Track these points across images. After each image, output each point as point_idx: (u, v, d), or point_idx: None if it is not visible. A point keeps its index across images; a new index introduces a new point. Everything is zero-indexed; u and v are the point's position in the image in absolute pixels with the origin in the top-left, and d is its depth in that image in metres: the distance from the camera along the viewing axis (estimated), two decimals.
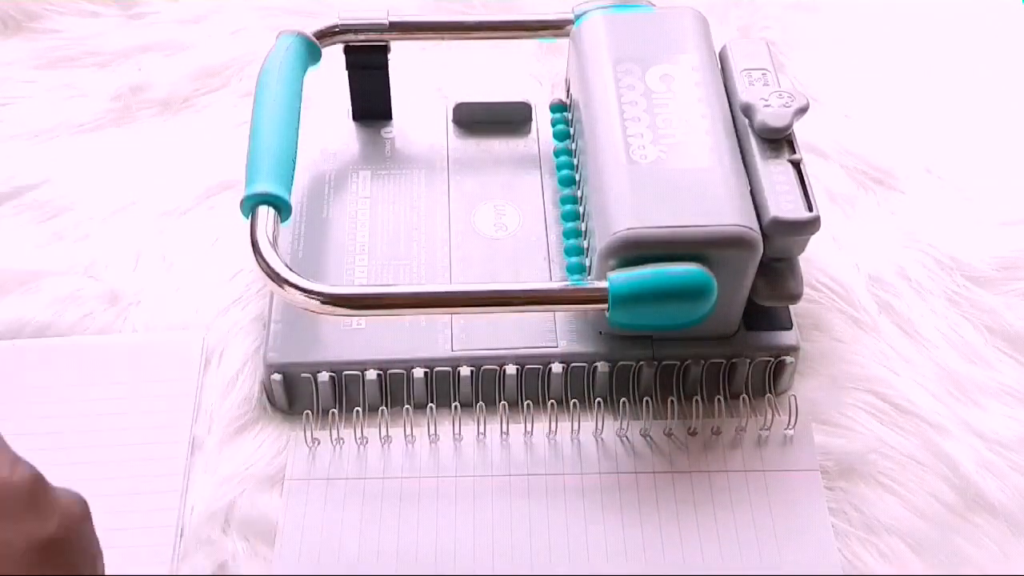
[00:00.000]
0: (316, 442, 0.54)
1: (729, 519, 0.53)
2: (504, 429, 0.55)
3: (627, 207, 0.52)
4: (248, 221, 0.53)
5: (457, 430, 0.55)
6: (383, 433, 0.54)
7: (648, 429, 0.55)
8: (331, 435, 0.54)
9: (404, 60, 0.68)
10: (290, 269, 0.52)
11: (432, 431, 0.55)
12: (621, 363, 0.56)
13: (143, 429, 0.55)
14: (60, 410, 0.56)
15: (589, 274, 0.56)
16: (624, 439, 0.55)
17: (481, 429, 0.55)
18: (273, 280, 0.51)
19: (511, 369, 0.56)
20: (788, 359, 0.56)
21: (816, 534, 0.52)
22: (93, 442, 0.55)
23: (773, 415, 0.55)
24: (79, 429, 0.55)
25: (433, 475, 0.54)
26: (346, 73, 0.65)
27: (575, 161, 0.62)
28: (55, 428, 0.55)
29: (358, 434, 0.54)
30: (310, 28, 0.62)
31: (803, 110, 0.55)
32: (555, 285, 0.56)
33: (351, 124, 0.67)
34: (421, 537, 0.52)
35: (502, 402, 0.55)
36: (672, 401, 0.55)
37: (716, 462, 0.55)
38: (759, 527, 0.52)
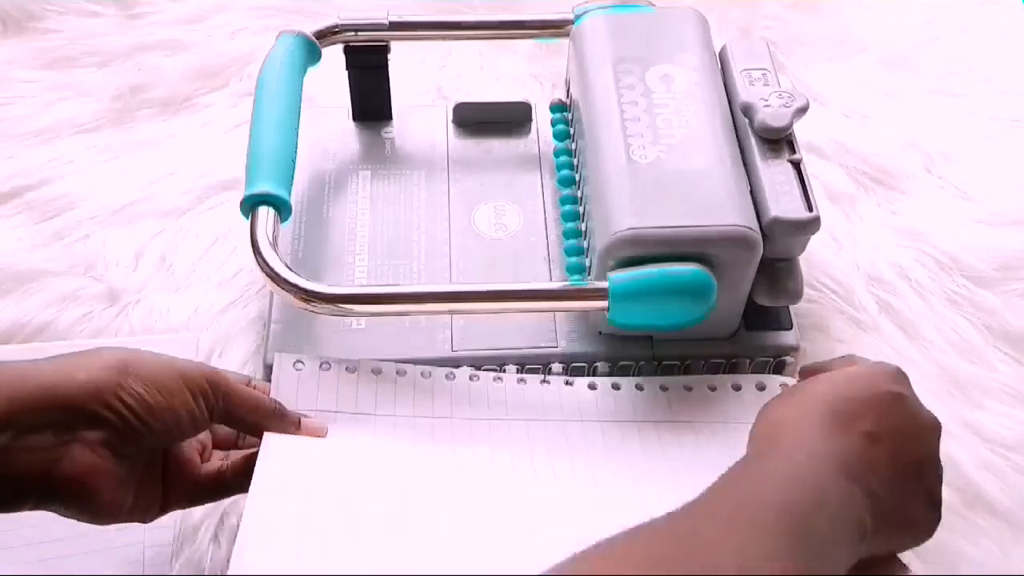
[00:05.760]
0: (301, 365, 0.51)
1: None
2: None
3: (627, 207, 0.52)
4: (248, 221, 0.53)
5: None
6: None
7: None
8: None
9: (404, 60, 0.68)
10: (290, 269, 0.52)
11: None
12: (621, 363, 0.56)
13: None
14: None
15: (589, 274, 0.56)
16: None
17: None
18: (273, 280, 0.51)
19: (511, 369, 0.56)
20: (788, 359, 0.56)
21: None
22: None
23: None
24: None
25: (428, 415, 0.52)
26: (346, 73, 0.65)
27: (575, 161, 0.62)
28: None
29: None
30: (310, 28, 0.62)
31: (803, 110, 0.55)
32: (555, 285, 0.56)
33: (351, 124, 0.67)
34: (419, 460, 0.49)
35: None
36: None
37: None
38: None
